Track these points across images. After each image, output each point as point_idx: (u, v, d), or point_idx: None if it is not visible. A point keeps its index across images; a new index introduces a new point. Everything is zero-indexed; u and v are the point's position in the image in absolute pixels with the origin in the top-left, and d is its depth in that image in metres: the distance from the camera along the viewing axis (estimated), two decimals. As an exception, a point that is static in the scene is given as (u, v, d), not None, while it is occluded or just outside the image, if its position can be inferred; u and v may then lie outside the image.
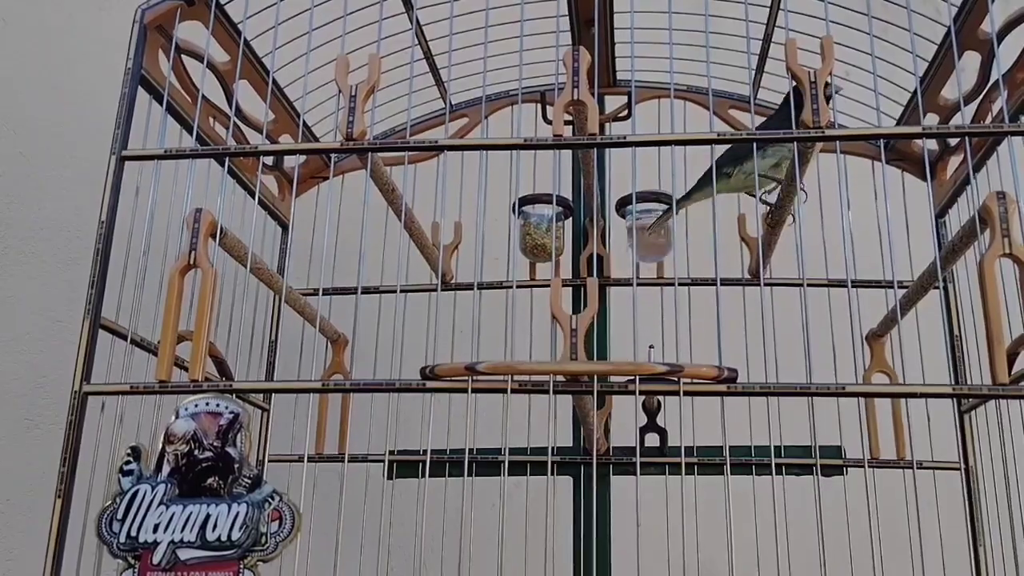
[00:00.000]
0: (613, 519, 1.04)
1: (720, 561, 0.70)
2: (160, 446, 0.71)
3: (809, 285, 0.78)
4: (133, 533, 0.68)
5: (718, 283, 0.77)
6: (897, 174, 1.12)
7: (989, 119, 0.93)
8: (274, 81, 1.00)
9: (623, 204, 1.13)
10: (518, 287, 1.07)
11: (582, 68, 0.77)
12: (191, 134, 0.94)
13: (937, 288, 0.95)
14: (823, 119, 0.74)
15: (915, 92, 1.00)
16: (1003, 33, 0.85)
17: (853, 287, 0.79)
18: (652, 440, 1.05)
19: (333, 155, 1.15)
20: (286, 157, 1.16)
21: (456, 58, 0.95)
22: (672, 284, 0.92)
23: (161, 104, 0.87)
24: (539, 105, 1.16)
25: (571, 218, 1.17)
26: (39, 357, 1.17)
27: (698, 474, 1.02)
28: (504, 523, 0.72)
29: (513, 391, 0.73)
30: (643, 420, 1.05)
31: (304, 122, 1.10)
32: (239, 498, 0.68)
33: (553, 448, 1.01)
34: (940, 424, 0.97)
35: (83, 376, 0.77)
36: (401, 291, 1.03)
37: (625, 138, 0.78)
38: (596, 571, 1.02)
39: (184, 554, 0.67)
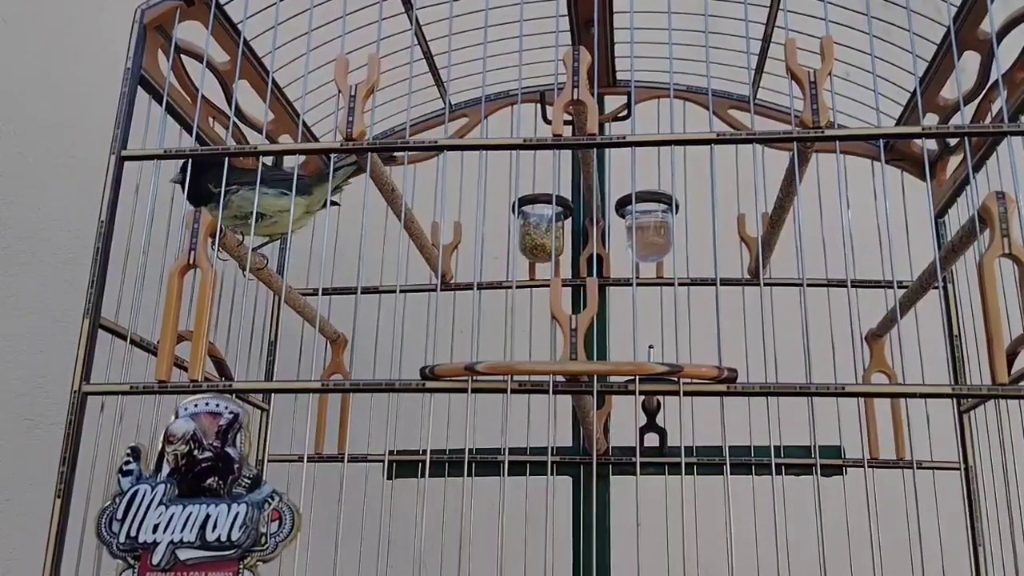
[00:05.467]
0: (613, 519, 1.04)
1: (720, 561, 0.70)
2: (160, 446, 0.71)
3: (809, 285, 0.78)
4: (133, 533, 0.68)
5: (718, 283, 0.77)
6: (897, 174, 1.12)
7: (989, 119, 0.93)
8: (274, 81, 0.99)
9: (623, 204, 1.13)
10: (518, 287, 1.07)
11: (582, 68, 0.77)
12: (191, 134, 0.94)
13: (937, 288, 0.95)
14: (823, 119, 0.74)
15: (915, 92, 1.00)
16: (1003, 33, 0.85)
17: (853, 287, 0.79)
18: (652, 440, 1.05)
19: (333, 155, 1.15)
20: (285, 157, 1.16)
21: (456, 58, 0.95)
22: (672, 284, 0.92)
23: (161, 104, 0.87)
24: (539, 105, 1.16)
25: (571, 218, 1.17)
26: (39, 357, 1.16)
27: (698, 474, 1.02)
28: (504, 523, 0.72)
29: (513, 391, 0.73)
30: (643, 420, 1.05)
31: (304, 122, 1.10)
32: (239, 498, 0.68)
33: (553, 448, 1.01)
34: (940, 424, 0.97)
35: (83, 376, 0.77)
36: (401, 291, 1.03)
37: (625, 138, 0.78)
38: (596, 571, 1.02)
39: (184, 554, 0.67)
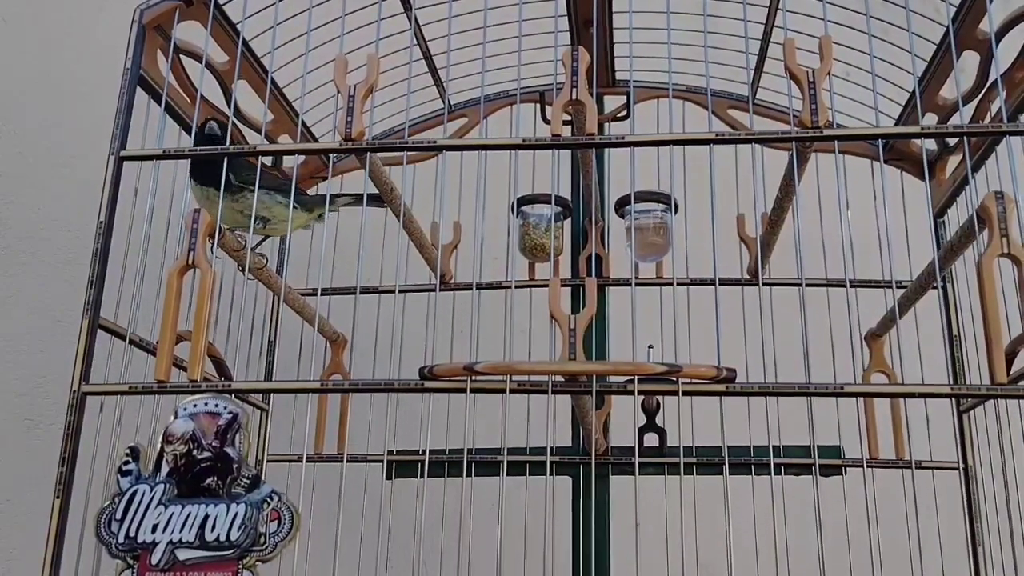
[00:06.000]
0: (612, 519, 1.04)
1: (719, 561, 0.70)
2: (159, 446, 0.71)
3: (808, 285, 0.78)
4: (132, 533, 0.68)
5: (717, 283, 0.77)
6: (896, 174, 1.12)
7: (988, 119, 0.93)
8: (273, 81, 1.00)
9: (622, 204, 1.13)
10: (517, 287, 1.07)
11: (581, 68, 0.77)
12: (190, 134, 0.94)
13: (936, 288, 0.95)
14: (822, 119, 0.74)
15: (914, 92, 1.01)
16: (1002, 33, 0.85)
17: (852, 287, 0.79)
18: (651, 440, 1.05)
19: (332, 155, 1.15)
20: (285, 157, 1.16)
21: (455, 58, 0.95)
22: (671, 284, 0.92)
23: (160, 104, 0.87)
24: (538, 105, 1.16)
25: (570, 218, 1.17)
26: (39, 357, 1.17)
27: (697, 474, 1.02)
28: (503, 523, 0.72)
29: (512, 391, 0.73)
30: (642, 420, 1.05)
31: (303, 122, 1.10)
32: (238, 498, 0.68)
33: (552, 448, 1.01)
34: (939, 424, 0.98)
35: (82, 376, 0.77)
36: (400, 291, 1.03)
37: (624, 138, 0.78)
38: (595, 571, 1.02)
39: (183, 554, 0.67)
